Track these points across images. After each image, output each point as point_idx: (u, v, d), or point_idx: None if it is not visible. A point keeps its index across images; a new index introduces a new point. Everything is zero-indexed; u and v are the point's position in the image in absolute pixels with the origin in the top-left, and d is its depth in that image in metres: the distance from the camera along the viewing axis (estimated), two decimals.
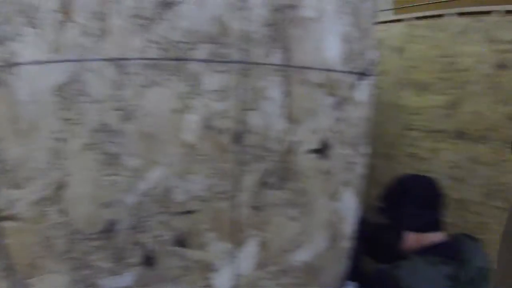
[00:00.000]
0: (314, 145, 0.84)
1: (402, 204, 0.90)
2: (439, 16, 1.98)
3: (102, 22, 0.58)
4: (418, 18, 2.15)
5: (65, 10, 0.55)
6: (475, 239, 0.87)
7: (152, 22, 0.59)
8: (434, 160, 2.16)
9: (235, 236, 0.74)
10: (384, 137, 2.57)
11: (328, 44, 0.80)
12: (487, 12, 1.81)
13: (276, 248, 0.83)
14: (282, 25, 0.70)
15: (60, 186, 0.61)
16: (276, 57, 0.71)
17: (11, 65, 0.54)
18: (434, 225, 0.87)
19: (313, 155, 0.85)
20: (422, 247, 0.85)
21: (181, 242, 0.68)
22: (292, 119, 0.77)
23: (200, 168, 0.67)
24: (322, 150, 0.86)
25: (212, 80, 0.64)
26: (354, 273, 0.86)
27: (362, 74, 0.91)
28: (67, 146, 0.60)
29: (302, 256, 0.92)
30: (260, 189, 0.75)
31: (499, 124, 1.76)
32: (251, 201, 0.74)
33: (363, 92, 0.92)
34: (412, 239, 0.87)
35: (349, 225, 1.05)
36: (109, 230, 0.64)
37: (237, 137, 0.68)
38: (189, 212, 0.67)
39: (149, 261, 0.68)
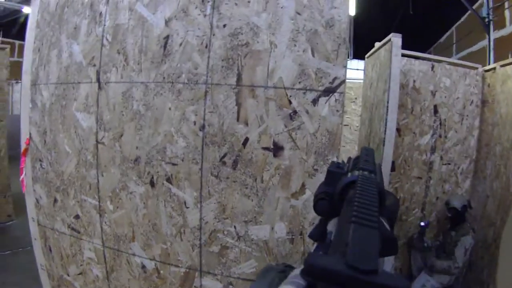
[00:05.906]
0: (265, 144, 1.16)
1: None
2: None
3: None
4: None
5: None
6: None
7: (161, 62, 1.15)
8: None
9: (200, 188, 1.20)
10: None
11: (279, 67, 1.10)
12: None
13: (230, 210, 1.22)
14: (236, 58, 1.09)
15: None
16: (231, 80, 1.11)
17: None
18: None
19: (266, 151, 1.17)
20: None
21: (168, 180, 1.22)
22: (242, 121, 1.14)
23: (181, 141, 1.18)
24: (274, 149, 1.16)
25: (190, 93, 1.14)
26: None
27: (320, 91, 1.13)
28: None
29: (259, 232, 1.25)
30: (219, 164, 1.18)
31: None
32: (212, 170, 1.18)
33: (323, 107, 1.13)
34: None
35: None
36: None
37: (201, 127, 1.15)
38: (173, 164, 1.20)
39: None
